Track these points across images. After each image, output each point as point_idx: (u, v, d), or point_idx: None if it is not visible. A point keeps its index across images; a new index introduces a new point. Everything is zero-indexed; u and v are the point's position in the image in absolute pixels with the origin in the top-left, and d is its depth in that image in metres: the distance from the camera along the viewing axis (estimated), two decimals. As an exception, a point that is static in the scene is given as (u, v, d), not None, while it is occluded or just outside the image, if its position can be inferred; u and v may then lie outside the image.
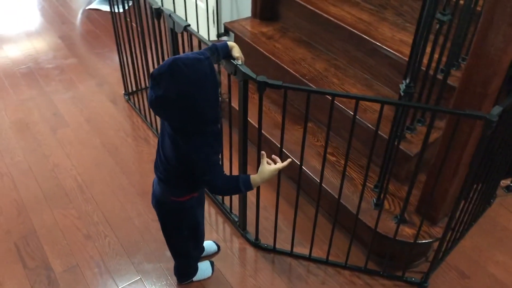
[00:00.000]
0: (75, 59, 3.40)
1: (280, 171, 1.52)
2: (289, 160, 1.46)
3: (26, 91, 3.03)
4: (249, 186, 1.40)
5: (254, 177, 1.41)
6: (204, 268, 1.91)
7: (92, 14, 4.05)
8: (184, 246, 1.72)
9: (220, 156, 1.46)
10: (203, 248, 1.92)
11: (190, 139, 1.31)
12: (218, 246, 2.03)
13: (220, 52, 1.52)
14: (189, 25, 1.84)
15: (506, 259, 2.03)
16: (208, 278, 1.91)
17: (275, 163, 1.45)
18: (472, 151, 1.67)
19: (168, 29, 1.96)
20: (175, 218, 1.58)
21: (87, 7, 4.14)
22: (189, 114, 1.22)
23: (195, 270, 1.88)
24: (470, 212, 1.96)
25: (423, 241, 1.81)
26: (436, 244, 1.90)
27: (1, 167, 2.43)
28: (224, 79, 1.83)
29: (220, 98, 1.28)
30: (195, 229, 1.66)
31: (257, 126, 1.69)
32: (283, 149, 2.23)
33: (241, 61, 1.57)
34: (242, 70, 1.56)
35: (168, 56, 2.12)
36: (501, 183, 2.32)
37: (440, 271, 1.96)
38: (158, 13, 2.00)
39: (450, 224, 1.69)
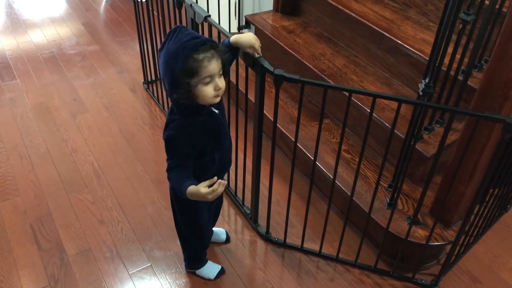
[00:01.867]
0: (97, 46, 3.44)
1: (294, 166, 1.51)
2: (217, 184, 1.31)
3: (48, 75, 3.08)
4: (182, 190, 1.35)
5: (190, 190, 1.33)
6: (210, 268, 1.88)
7: (115, 2, 4.08)
8: (186, 234, 1.73)
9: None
10: (207, 241, 1.87)
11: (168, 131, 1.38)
12: (228, 237, 2.04)
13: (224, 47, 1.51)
14: (210, 15, 1.84)
15: (520, 266, 1.99)
16: (209, 279, 1.89)
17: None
18: (490, 154, 1.64)
19: (188, 19, 1.97)
20: (180, 204, 1.60)
21: (111, -5, 4.18)
22: (165, 72, 1.29)
23: (200, 261, 1.87)
24: (485, 217, 1.93)
25: (435, 244, 1.79)
26: (448, 247, 1.88)
27: (21, 149, 2.48)
28: (242, 72, 1.84)
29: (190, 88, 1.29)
30: (197, 216, 1.66)
31: (272, 119, 1.69)
32: (298, 144, 2.23)
33: (257, 54, 1.55)
34: (260, 62, 1.56)
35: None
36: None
37: (452, 274, 1.94)
38: (180, 2, 2.01)
39: (464, 227, 1.66)
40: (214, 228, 2.00)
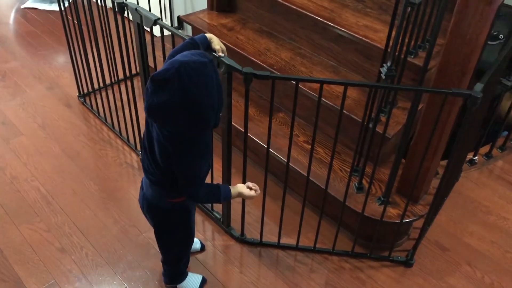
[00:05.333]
0: (16, 62, 3.16)
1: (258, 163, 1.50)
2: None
3: (-34, 100, 2.79)
4: (227, 197, 1.47)
5: (233, 191, 1.50)
6: (192, 280, 1.81)
7: (28, 13, 3.78)
8: (179, 250, 1.66)
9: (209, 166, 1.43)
10: (189, 254, 1.82)
11: (181, 147, 1.26)
12: (203, 245, 1.98)
13: (200, 46, 1.46)
14: (159, 18, 1.76)
15: (478, 229, 2.13)
16: None
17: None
18: (450, 128, 1.74)
19: (134, 24, 1.86)
20: (171, 220, 1.51)
21: (22, 6, 3.86)
22: (192, 120, 1.17)
23: (182, 275, 1.80)
24: (444, 188, 2.04)
25: (408, 220, 1.86)
26: (417, 223, 1.97)
27: (-49, 184, 2.22)
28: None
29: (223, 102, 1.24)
30: (190, 229, 1.59)
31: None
32: (259, 141, 2.21)
33: (223, 53, 1.52)
34: (226, 62, 1.51)
35: (134, 54, 2.03)
36: (464, 157, 2.43)
37: (422, 247, 2.03)
38: (122, 7, 1.89)
39: (436, 200, 1.74)
40: None
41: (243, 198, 1.51)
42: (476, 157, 2.46)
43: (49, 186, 2.23)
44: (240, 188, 1.51)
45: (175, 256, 1.69)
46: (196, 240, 1.96)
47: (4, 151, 2.42)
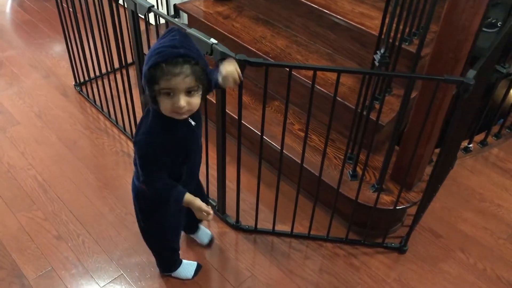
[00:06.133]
0: (13, 51, 3.16)
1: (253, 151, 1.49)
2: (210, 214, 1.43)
3: (-37, 89, 2.79)
4: (179, 200, 1.38)
5: (188, 197, 1.39)
6: (186, 267, 1.82)
7: (25, 2, 3.77)
8: (154, 240, 1.67)
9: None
10: (176, 244, 1.76)
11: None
12: (210, 242, 1.96)
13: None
14: (153, 6, 1.75)
15: (472, 216, 2.15)
16: (187, 279, 1.83)
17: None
18: (443, 115, 1.74)
19: (128, 12, 1.86)
20: (145, 205, 1.51)
21: (18, -5, 3.85)
22: None
23: (174, 263, 1.80)
24: (438, 175, 2.05)
25: (402, 207, 1.88)
26: (410, 209, 1.98)
27: None
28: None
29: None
30: (165, 220, 1.58)
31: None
32: (253, 129, 2.22)
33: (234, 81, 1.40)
34: (220, 49, 1.51)
35: (130, 42, 2.02)
36: (459, 145, 2.44)
37: (415, 234, 2.05)
38: (116, -5, 1.89)
39: (429, 187, 1.75)
40: (202, 226, 1.96)
41: (193, 209, 1.40)
42: (471, 145, 2.47)
43: (46, 175, 2.24)
44: (196, 200, 1.40)
45: (154, 245, 1.69)
46: (206, 233, 1.96)
47: (1, 139, 2.43)
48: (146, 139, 1.29)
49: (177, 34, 1.19)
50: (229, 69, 1.38)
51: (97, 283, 1.81)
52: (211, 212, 1.41)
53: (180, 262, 1.83)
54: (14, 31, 3.41)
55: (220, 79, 1.38)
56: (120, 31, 2.03)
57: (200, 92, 1.25)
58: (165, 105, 1.22)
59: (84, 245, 1.94)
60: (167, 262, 1.81)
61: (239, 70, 1.40)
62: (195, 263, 1.86)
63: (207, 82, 1.26)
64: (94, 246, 1.93)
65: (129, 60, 2.26)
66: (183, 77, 1.17)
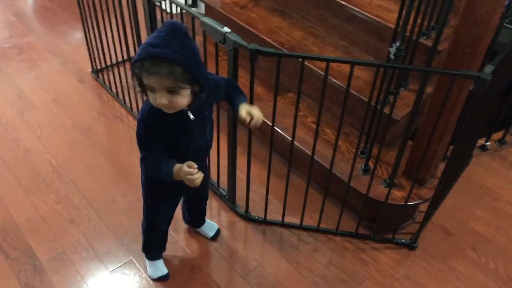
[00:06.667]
0: (33, 37, 3.20)
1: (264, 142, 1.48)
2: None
3: (-17, 73, 2.84)
4: (169, 174, 1.32)
5: (176, 167, 1.32)
6: (156, 267, 1.80)
7: (45, -11, 3.81)
8: (144, 215, 1.68)
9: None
10: (158, 238, 1.77)
11: None
12: (215, 235, 1.96)
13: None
14: (168, -6, 1.75)
15: (485, 215, 2.11)
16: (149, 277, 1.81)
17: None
18: (459, 111, 1.71)
19: (144, 0, 1.86)
20: (144, 179, 1.55)
21: (40, -18, 3.89)
22: None
23: (151, 253, 1.79)
24: (452, 172, 2.02)
25: (413, 203, 1.85)
26: (422, 206, 1.95)
27: (-33, 154, 2.28)
28: (212, 49, 1.77)
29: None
30: (156, 202, 1.61)
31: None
32: (266, 120, 2.21)
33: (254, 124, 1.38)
34: (232, 38, 1.51)
35: (146, 31, 2.03)
36: (476, 143, 2.39)
37: (427, 230, 2.02)
38: (132, -18, 1.90)
39: (442, 184, 1.73)
40: (207, 220, 1.97)
41: (183, 178, 1.30)
42: (488, 143, 2.42)
43: (61, 159, 2.27)
44: (183, 166, 1.30)
45: (142, 220, 1.70)
46: (212, 226, 1.97)
47: (19, 123, 2.47)
48: (140, 119, 1.31)
49: (166, 31, 1.15)
50: (258, 114, 1.36)
51: (106, 267, 1.83)
52: (195, 170, 1.29)
53: (158, 258, 1.81)
54: (34, 17, 3.45)
55: (243, 114, 1.35)
56: (135, 20, 2.04)
57: (187, 92, 1.21)
58: (150, 99, 1.24)
59: (95, 229, 1.96)
60: (147, 247, 1.78)
61: (262, 119, 1.39)
62: (166, 271, 1.80)
63: (200, 82, 1.22)
64: (105, 230, 1.96)
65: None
66: (160, 77, 1.15)
